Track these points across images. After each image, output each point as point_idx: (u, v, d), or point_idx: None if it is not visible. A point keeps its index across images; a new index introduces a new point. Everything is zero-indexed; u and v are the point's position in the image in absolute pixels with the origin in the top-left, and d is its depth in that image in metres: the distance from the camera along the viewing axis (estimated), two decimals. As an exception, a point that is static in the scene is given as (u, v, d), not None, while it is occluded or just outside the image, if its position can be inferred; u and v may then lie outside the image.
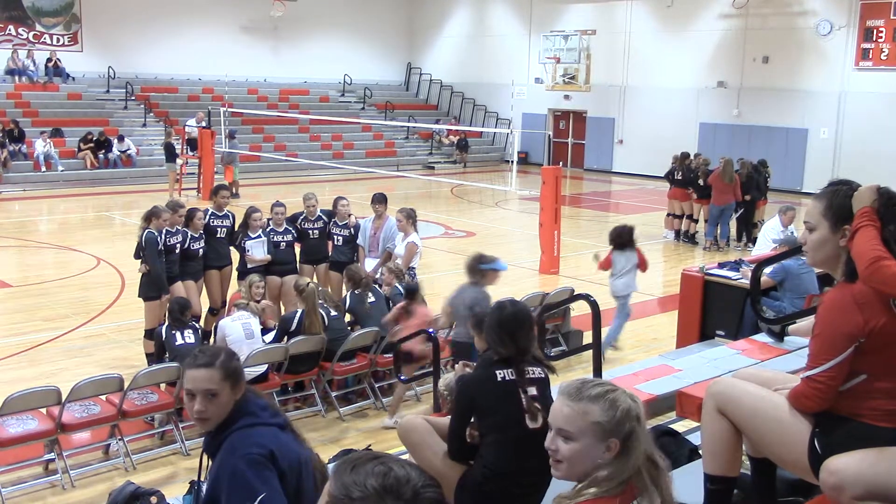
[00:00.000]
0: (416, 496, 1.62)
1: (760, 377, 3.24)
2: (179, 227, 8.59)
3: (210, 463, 2.94)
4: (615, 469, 2.20)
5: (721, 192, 15.21)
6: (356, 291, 8.10)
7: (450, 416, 3.71)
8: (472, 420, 3.59)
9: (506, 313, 3.61)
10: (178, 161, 20.37)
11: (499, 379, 3.52)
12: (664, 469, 2.26)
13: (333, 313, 7.82)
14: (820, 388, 2.81)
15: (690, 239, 16.36)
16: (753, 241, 14.13)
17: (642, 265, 9.33)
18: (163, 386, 7.01)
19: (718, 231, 15.67)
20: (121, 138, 23.77)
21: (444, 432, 3.72)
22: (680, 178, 16.33)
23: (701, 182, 15.86)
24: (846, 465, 2.73)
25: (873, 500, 2.70)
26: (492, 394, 3.52)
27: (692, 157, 17.22)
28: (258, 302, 8.01)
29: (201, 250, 8.79)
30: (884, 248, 2.74)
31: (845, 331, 2.76)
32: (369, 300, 8.10)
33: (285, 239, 9.22)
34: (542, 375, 3.65)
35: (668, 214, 16.91)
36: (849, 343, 2.76)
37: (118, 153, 23.58)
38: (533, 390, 3.55)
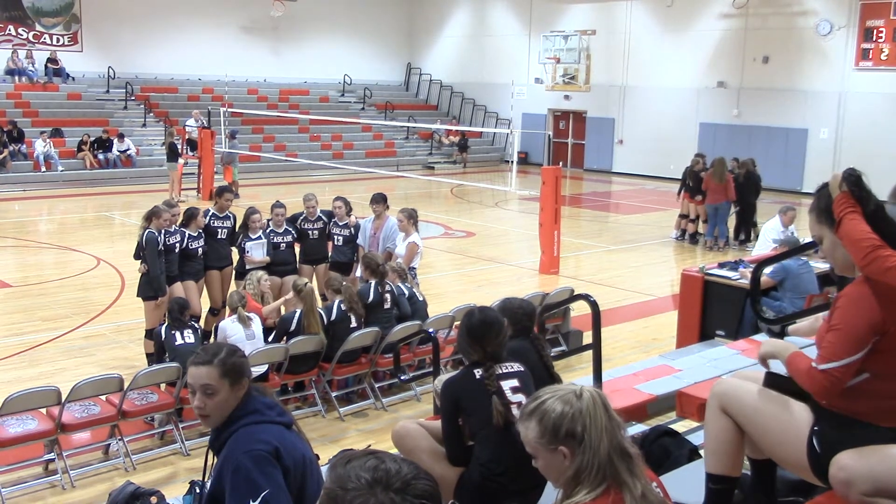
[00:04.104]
0: (407, 486, 1.67)
1: (761, 377, 3.24)
2: (177, 227, 8.60)
3: (215, 460, 2.94)
4: (576, 470, 2.18)
5: (713, 192, 15.37)
6: (375, 282, 8.05)
7: (440, 421, 3.74)
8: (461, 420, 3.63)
9: (474, 321, 3.71)
10: (180, 161, 20.36)
11: (477, 377, 3.61)
12: (637, 456, 2.24)
13: (342, 309, 7.81)
14: (835, 382, 2.76)
15: (691, 239, 16.40)
16: (755, 237, 14.21)
17: None
18: (163, 386, 7.01)
19: (717, 231, 15.70)
20: (121, 137, 23.76)
21: (438, 435, 3.74)
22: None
23: (690, 183, 15.98)
24: (856, 461, 2.72)
25: (882, 496, 2.70)
26: (473, 391, 3.57)
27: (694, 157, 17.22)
28: (263, 296, 8.03)
29: (200, 250, 8.79)
30: (874, 233, 2.73)
31: (867, 326, 2.72)
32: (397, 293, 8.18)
33: (285, 240, 9.23)
34: (522, 368, 3.71)
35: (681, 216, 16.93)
36: (870, 338, 2.72)
37: (118, 153, 23.58)
38: (514, 382, 3.61)
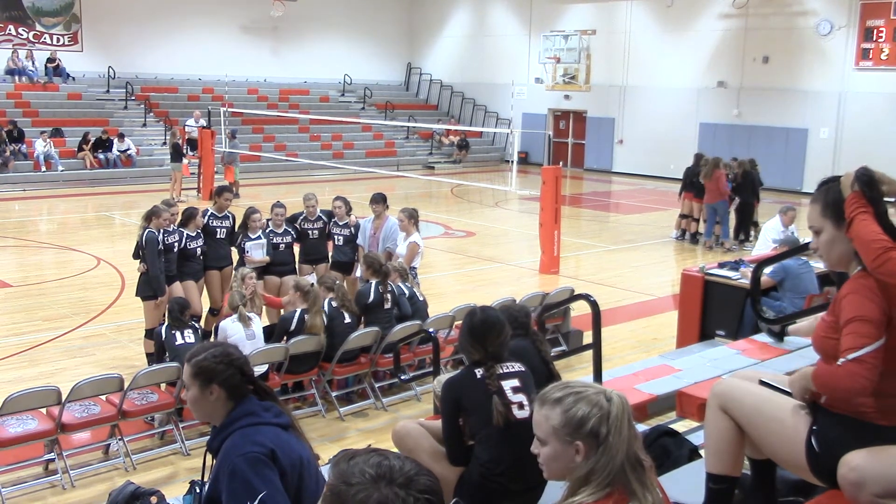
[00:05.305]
0: (410, 482, 1.70)
1: (762, 378, 3.24)
2: (175, 227, 8.60)
3: (213, 462, 2.94)
4: (589, 471, 2.18)
5: (708, 191, 15.45)
6: (376, 282, 8.05)
7: (441, 421, 3.74)
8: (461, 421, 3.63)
9: (475, 320, 3.72)
10: (185, 161, 20.36)
11: (478, 377, 3.61)
12: (650, 468, 2.23)
13: (334, 306, 7.81)
14: (871, 368, 2.66)
15: (692, 239, 16.42)
16: (755, 237, 14.24)
17: None
18: (163, 386, 7.01)
19: (720, 230, 15.71)
20: (121, 137, 23.76)
21: (439, 435, 3.74)
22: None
23: (702, 181, 15.98)
24: (867, 462, 2.71)
25: (893, 498, 2.70)
26: (474, 391, 3.58)
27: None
28: (251, 294, 8.00)
29: (199, 250, 8.79)
30: (885, 235, 2.72)
31: (881, 311, 2.70)
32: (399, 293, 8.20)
33: (284, 240, 9.24)
34: (523, 368, 3.72)
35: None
36: (886, 323, 2.69)
37: (118, 153, 23.58)
38: (515, 382, 3.62)
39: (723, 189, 15.36)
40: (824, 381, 2.78)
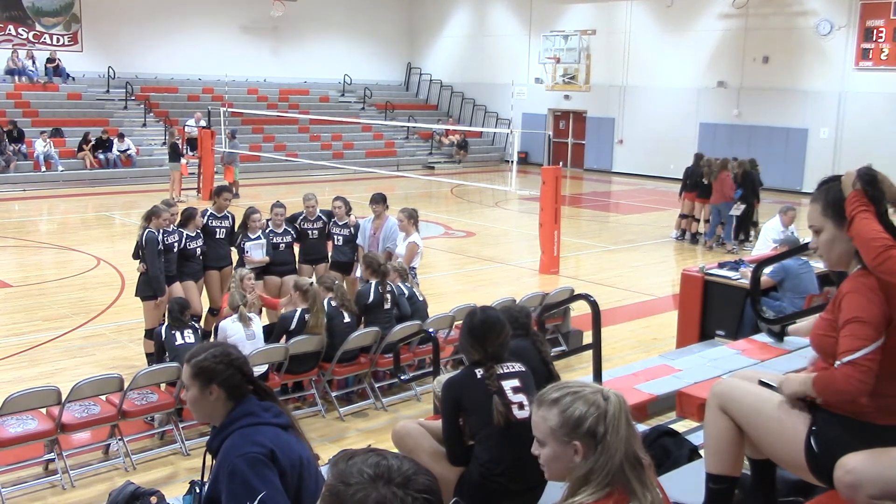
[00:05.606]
0: (408, 481, 1.70)
1: (761, 378, 3.24)
2: (175, 227, 8.60)
3: (213, 462, 2.94)
4: (588, 470, 2.17)
5: (713, 192, 15.52)
6: (376, 282, 8.05)
7: (441, 421, 3.74)
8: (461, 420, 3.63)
9: (475, 320, 3.71)
10: (183, 161, 20.36)
11: (478, 377, 3.61)
12: (648, 466, 2.22)
13: (333, 305, 7.81)
14: (867, 371, 2.67)
15: (692, 239, 16.43)
16: (755, 237, 14.24)
17: None
18: (163, 386, 7.01)
19: (722, 231, 15.70)
20: (121, 137, 23.77)
21: (439, 435, 3.74)
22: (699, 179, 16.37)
23: (705, 181, 15.99)
24: (863, 464, 2.71)
25: (889, 499, 2.70)
26: (474, 391, 3.58)
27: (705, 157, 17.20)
28: (249, 293, 7.98)
29: (199, 250, 8.79)
30: (886, 233, 2.72)
31: (881, 312, 2.69)
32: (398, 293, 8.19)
33: (284, 240, 9.24)
34: (523, 368, 3.72)
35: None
36: (885, 324, 2.69)
37: (118, 153, 23.58)
38: (515, 382, 3.62)
39: (727, 191, 15.35)
40: (823, 385, 2.81)
